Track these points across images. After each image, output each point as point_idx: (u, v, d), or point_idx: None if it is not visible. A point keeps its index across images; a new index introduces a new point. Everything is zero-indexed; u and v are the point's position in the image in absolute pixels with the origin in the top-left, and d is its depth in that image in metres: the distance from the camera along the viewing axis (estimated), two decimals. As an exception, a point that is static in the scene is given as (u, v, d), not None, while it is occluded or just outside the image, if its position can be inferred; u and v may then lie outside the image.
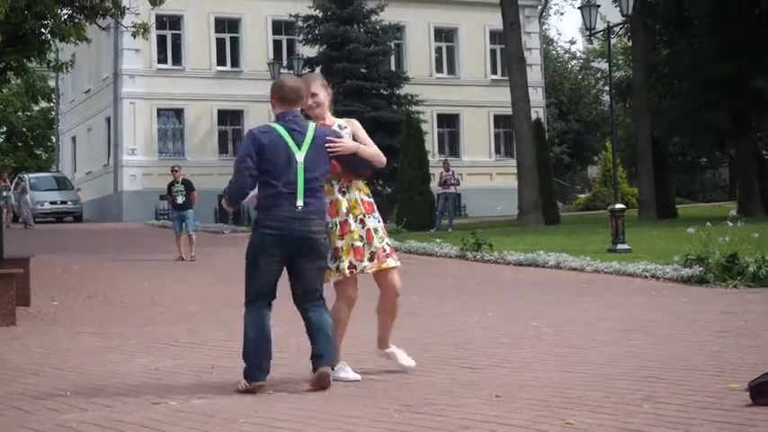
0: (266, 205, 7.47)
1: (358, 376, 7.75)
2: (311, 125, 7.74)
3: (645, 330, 10.43)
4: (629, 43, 43.80)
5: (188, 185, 24.25)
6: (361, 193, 7.90)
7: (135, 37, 27.00)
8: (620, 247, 22.25)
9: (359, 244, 7.77)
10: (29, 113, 66.21)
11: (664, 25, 40.06)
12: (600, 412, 6.21)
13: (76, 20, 25.83)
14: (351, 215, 7.79)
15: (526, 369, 8.05)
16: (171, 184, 24.48)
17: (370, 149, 7.90)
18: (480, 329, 10.96)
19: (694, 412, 6.15)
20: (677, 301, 13.69)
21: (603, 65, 56.49)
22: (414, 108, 44.17)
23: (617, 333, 10.26)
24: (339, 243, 7.75)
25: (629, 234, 23.36)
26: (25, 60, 26.77)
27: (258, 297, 7.45)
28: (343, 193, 7.83)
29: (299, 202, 7.43)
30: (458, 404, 6.66)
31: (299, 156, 7.50)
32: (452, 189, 34.35)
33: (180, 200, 24.09)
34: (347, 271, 7.78)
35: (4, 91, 56.96)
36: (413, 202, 35.53)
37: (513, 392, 6.95)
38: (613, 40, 36.83)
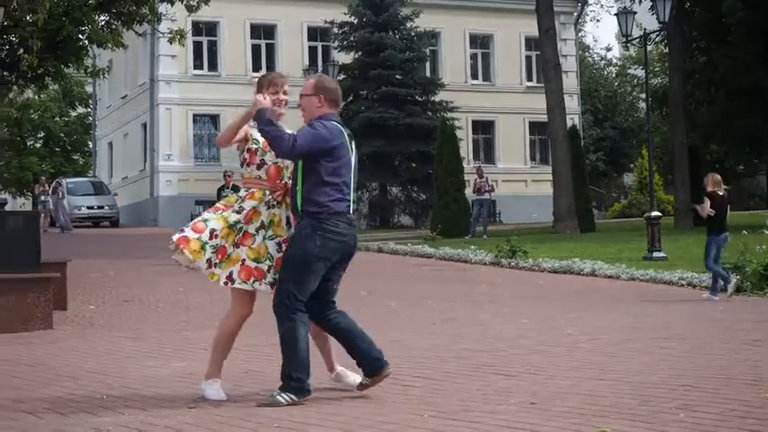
0: (334, 210, 7.20)
1: (224, 396, 7.40)
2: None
3: (680, 339, 10.38)
4: (666, 50, 43.57)
5: (237, 192, 24.26)
6: (288, 210, 7.44)
7: (171, 43, 27.18)
8: (656, 254, 22.18)
9: (264, 265, 7.35)
10: (66, 119, 66.62)
11: (700, 32, 39.87)
12: (635, 420, 6.19)
13: (113, 26, 26.02)
14: (267, 231, 7.38)
15: (561, 376, 8.03)
16: (221, 189, 24.63)
17: None
18: (515, 336, 10.94)
19: (731, 421, 6.11)
20: (713, 310, 13.62)
21: (640, 72, 56.30)
22: (449, 115, 44.09)
23: (652, 341, 10.22)
24: (231, 249, 7.35)
25: (666, 242, 23.27)
26: (63, 66, 26.97)
27: (302, 303, 7.16)
28: (271, 206, 7.43)
29: (353, 207, 7.38)
30: (492, 411, 6.65)
31: (354, 159, 7.44)
32: (487, 196, 34.27)
33: None
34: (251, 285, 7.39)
35: (42, 96, 57.52)
36: (448, 208, 35.49)
37: (547, 400, 6.94)
38: (650, 47, 36.67)
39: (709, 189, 16.16)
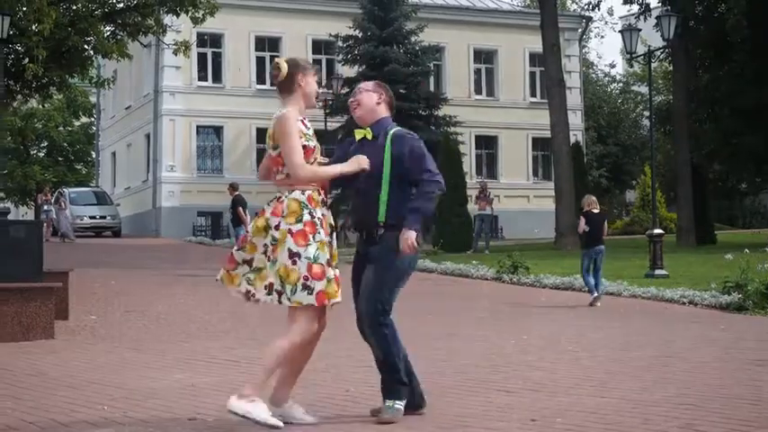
0: None
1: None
2: None
3: (682, 357, 10.37)
4: (670, 67, 43.62)
5: (233, 203, 24.73)
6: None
7: (176, 54, 27.26)
8: (657, 272, 22.18)
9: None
10: (70, 129, 66.71)
11: (705, 50, 39.92)
12: (636, 439, 6.18)
13: (119, 37, 26.09)
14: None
15: (562, 393, 8.02)
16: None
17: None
18: (516, 353, 10.93)
19: (732, 441, 6.11)
20: (715, 329, 13.60)
21: (644, 89, 56.24)
22: (452, 129, 44.16)
23: (654, 359, 10.20)
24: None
25: (667, 260, 23.27)
26: (68, 76, 27.01)
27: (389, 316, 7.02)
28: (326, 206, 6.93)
29: None
30: (493, 428, 6.64)
31: None
32: (488, 210, 34.29)
33: (229, 217, 25.06)
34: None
35: (46, 106, 57.61)
36: (450, 223, 35.47)
37: (548, 417, 6.93)
38: (654, 64, 36.70)
39: (585, 209, 18.10)
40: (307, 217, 6.62)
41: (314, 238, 6.60)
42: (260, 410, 6.52)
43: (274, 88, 6.98)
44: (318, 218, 6.68)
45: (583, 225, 17.90)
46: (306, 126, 6.79)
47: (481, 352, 11.00)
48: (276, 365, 6.67)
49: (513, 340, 12.15)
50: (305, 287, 6.50)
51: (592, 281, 17.67)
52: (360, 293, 6.97)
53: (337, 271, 6.71)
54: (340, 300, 6.67)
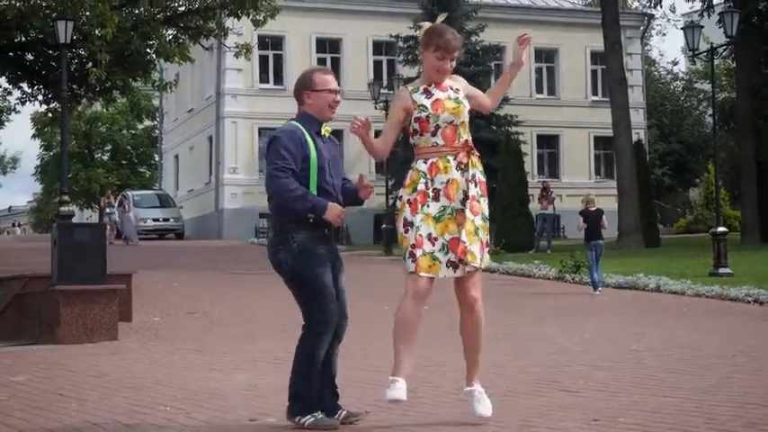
0: None
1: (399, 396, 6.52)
2: None
3: (747, 356, 10.26)
4: (734, 64, 43.16)
5: None
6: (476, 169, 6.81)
7: (237, 57, 27.40)
8: (721, 270, 21.98)
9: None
10: (133, 132, 67.42)
11: (768, 47, 39.46)
12: (700, 439, 6.12)
13: (181, 40, 26.26)
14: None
15: (625, 393, 7.96)
16: None
17: None
18: (578, 352, 10.87)
19: (798, 441, 6.03)
20: (781, 327, 13.45)
21: (707, 86, 55.74)
22: (513, 129, 44.03)
23: (718, 358, 10.11)
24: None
25: (732, 258, 23.04)
26: (130, 80, 27.25)
27: None
28: (463, 170, 6.75)
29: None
30: (556, 427, 6.61)
31: None
32: (550, 209, 34.15)
33: None
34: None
35: (109, 109, 58.26)
36: (511, 222, 35.34)
37: (611, 417, 6.89)
38: (717, 62, 36.32)
39: (583, 208, 20.08)
40: (421, 186, 6.64)
41: (421, 208, 6.61)
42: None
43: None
44: (436, 188, 6.65)
45: (580, 222, 19.82)
46: (429, 94, 6.82)
47: (544, 351, 10.96)
48: (395, 337, 6.75)
49: (576, 340, 12.09)
50: (411, 255, 6.54)
51: (596, 277, 19.31)
52: (341, 300, 6.88)
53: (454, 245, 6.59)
54: (433, 275, 6.59)
